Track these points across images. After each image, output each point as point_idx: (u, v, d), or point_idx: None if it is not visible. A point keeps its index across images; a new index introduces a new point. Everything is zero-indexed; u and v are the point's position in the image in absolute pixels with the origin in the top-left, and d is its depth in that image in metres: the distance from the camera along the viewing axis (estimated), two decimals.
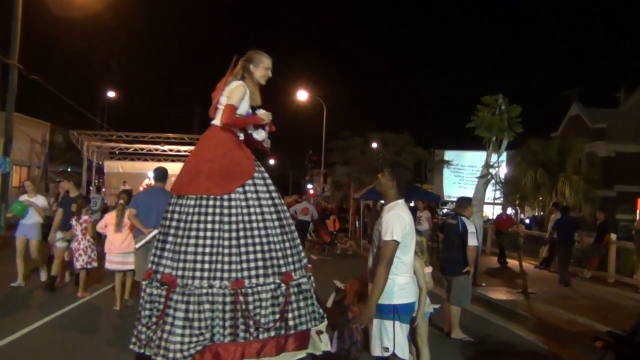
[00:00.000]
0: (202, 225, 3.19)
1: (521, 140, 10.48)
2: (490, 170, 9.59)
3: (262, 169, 3.53)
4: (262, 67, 3.55)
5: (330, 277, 9.64)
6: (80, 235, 6.73)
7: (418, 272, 3.51)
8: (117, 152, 24.44)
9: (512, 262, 12.26)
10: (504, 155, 10.86)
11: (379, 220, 3.14)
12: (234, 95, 3.41)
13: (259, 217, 3.28)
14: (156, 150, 22.95)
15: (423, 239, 4.45)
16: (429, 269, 4.23)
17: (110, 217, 6.43)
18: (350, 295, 4.38)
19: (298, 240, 3.49)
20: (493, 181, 9.80)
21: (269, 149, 3.80)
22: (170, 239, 3.26)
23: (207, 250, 3.15)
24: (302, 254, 3.49)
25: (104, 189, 21.73)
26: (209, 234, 3.18)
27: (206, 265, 3.12)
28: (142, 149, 23.10)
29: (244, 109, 3.50)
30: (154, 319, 3.17)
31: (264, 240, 3.24)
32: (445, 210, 28.29)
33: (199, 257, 3.14)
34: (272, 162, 63.91)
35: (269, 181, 3.49)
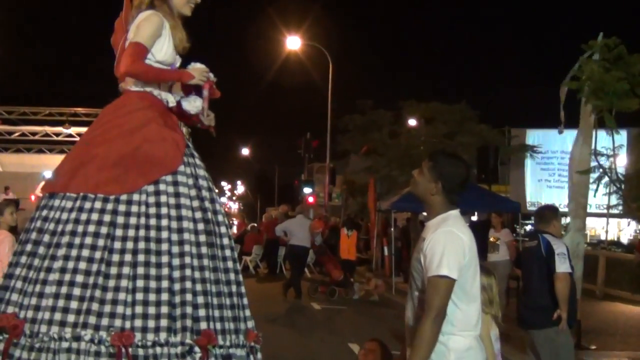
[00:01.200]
0: (77, 240, 3.16)
1: None
2: (601, 161, 9.57)
3: (198, 162, 3.54)
4: None
5: (343, 338, 9.56)
6: None
7: (483, 336, 3.49)
8: None
9: None
10: (622, 137, 10.84)
11: (418, 246, 3.14)
12: (142, 29, 3.43)
13: (174, 237, 3.26)
14: (57, 135, 23.04)
15: (492, 281, 4.40)
16: None
17: None
18: None
19: (240, 288, 3.47)
20: (606, 179, 9.77)
21: (212, 128, 3.80)
22: (23, 259, 3.22)
23: (80, 279, 3.10)
24: (244, 313, 3.45)
25: None
26: (85, 253, 3.14)
27: (74, 305, 3.06)
28: (34, 133, 23.20)
29: (165, 52, 3.53)
30: None
31: (176, 273, 3.20)
32: (529, 227, 28.27)
33: (64, 290, 3.08)
34: (246, 152, 64.15)
35: (204, 182, 3.50)
